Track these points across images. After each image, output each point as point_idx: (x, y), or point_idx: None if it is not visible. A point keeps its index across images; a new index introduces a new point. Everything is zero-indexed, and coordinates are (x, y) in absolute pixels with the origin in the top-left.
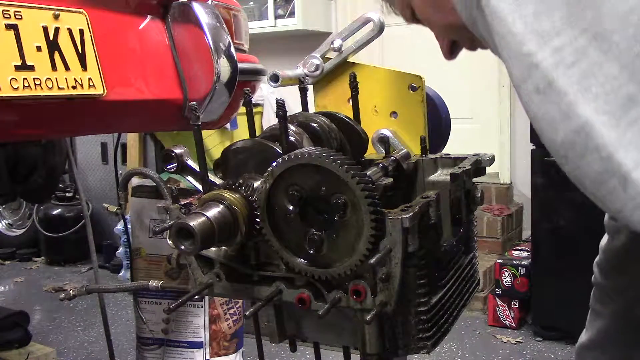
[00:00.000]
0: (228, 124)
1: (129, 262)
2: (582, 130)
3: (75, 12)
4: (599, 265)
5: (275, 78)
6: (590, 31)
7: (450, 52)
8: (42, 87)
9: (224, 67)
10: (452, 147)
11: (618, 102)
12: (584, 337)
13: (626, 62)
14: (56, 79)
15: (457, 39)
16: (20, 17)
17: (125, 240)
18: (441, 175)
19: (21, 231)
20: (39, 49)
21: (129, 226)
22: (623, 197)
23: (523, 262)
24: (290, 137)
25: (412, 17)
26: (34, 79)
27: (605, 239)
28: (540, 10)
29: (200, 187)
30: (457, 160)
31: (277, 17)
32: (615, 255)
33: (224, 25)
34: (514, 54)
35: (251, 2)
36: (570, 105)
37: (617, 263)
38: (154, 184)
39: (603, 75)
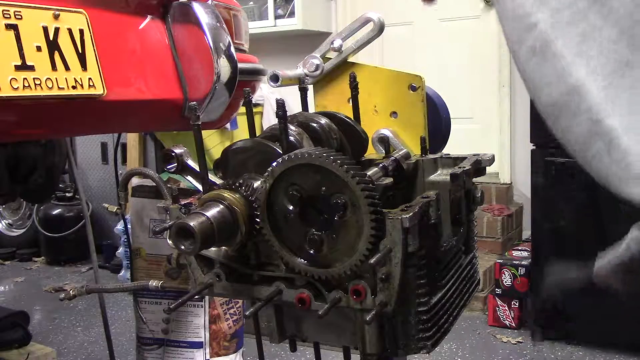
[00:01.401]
0: (228, 124)
1: (129, 262)
2: (574, 91)
3: (75, 12)
4: None
5: (275, 78)
6: None
7: None
8: (42, 87)
9: (224, 67)
10: (452, 147)
11: (614, 66)
12: None
13: (625, 28)
14: (56, 79)
15: None
16: (20, 17)
17: (125, 240)
18: (441, 175)
19: (21, 231)
20: (39, 49)
21: (129, 226)
22: (607, 161)
23: (523, 262)
24: (290, 137)
25: None
26: (34, 79)
27: None
28: None
29: (200, 187)
30: (457, 160)
31: (277, 17)
32: None
33: (224, 25)
34: (512, 15)
35: (251, 2)
36: (566, 67)
37: None
38: (154, 184)
39: (601, 39)
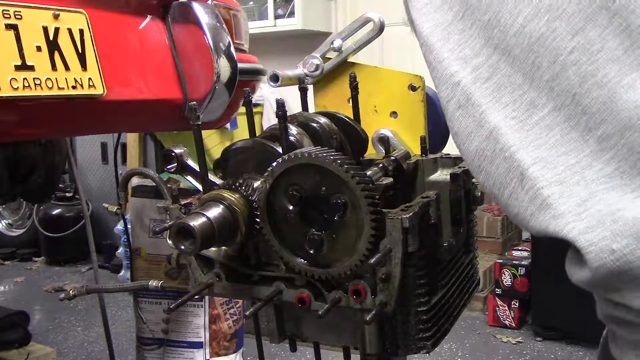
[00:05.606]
0: (228, 124)
1: (129, 262)
2: (491, 135)
3: (75, 12)
4: None
5: (275, 78)
6: (500, 47)
7: None
8: (42, 87)
9: (224, 67)
10: (452, 147)
11: (523, 107)
12: None
13: (526, 71)
14: (56, 79)
15: None
16: (20, 17)
17: (125, 240)
18: (441, 175)
19: (21, 231)
20: (39, 49)
21: (129, 226)
22: (521, 197)
23: (523, 262)
24: (290, 137)
25: None
26: (34, 79)
27: None
28: (462, 40)
29: (200, 187)
30: (457, 160)
31: (277, 17)
32: None
33: (224, 25)
34: (441, 77)
35: (251, 2)
36: (482, 115)
37: None
38: (154, 184)
39: (511, 85)
